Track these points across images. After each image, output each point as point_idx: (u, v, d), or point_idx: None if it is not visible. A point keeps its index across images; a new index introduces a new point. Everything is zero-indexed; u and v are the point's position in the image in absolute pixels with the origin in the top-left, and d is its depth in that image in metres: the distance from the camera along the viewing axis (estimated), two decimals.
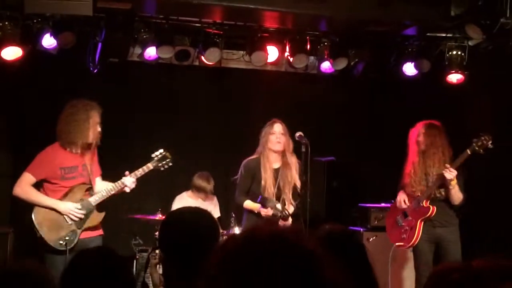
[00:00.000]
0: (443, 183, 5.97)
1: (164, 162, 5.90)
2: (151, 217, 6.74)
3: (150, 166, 5.79)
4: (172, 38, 6.95)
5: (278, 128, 6.09)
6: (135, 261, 6.95)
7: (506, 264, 2.28)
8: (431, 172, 6.04)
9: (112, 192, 5.61)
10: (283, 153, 6.09)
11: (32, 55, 6.48)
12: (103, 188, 5.63)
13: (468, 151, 5.96)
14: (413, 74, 7.34)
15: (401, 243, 6.10)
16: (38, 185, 5.48)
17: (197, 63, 7.44)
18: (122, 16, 6.52)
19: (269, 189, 5.96)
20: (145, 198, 7.82)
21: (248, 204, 6.03)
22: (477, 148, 5.94)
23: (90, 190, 5.57)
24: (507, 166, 7.05)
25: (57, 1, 5.17)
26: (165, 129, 7.97)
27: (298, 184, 6.06)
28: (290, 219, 5.91)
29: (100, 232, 5.68)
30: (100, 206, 5.60)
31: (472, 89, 7.24)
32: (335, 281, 1.32)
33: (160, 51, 6.92)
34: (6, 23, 6.10)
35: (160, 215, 6.67)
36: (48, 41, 6.42)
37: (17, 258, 6.35)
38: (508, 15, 5.90)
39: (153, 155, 5.87)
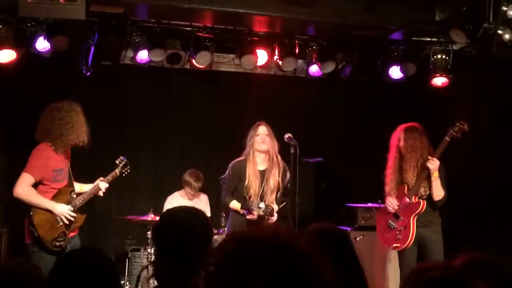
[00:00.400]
0: (428, 175, 5.95)
1: (125, 169, 6.04)
2: (143, 218, 6.69)
3: (117, 172, 5.95)
4: (163, 41, 6.93)
5: (262, 129, 6.09)
6: (127, 260, 6.90)
7: (483, 260, 2.28)
8: (409, 177, 6.02)
9: (91, 196, 5.73)
10: (269, 155, 6.06)
11: (26, 58, 6.44)
12: (83, 190, 5.74)
13: (447, 138, 5.97)
14: (399, 77, 7.35)
15: (397, 244, 6.03)
16: (33, 185, 5.44)
17: (188, 66, 7.43)
18: (114, 20, 6.49)
19: (254, 189, 5.95)
20: (137, 198, 7.80)
21: (234, 204, 6.03)
22: (454, 134, 5.96)
23: (72, 192, 5.63)
24: (489, 167, 7.07)
25: (51, 5, 5.12)
26: (157, 130, 7.94)
27: (281, 186, 6.06)
28: (276, 216, 5.92)
29: (77, 230, 5.74)
30: (81, 208, 5.67)
31: (456, 92, 7.24)
32: (328, 281, 1.32)
33: (152, 55, 6.89)
34: (0, 26, 6.07)
35: (152, 215, 6.63)
36: (42, 44, 6.38)
37: (11, 257, 6.30)
38: (491, 21, 5.90)
39: (117, 161, 6.00)
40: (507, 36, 5.93)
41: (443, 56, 6.98)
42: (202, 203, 7.33)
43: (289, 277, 1.27)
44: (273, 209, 5.86)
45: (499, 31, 5.91)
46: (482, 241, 7.33)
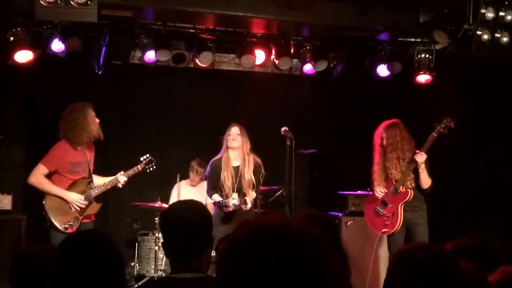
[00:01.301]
0: (415, 167, 5.99)
1: (150, 165, 6.20)
2: (152, 204, 6.73)
3: (139, 167, 6.08)
4: (169, 42, 6.94)
5: (234, 130, 6.28)
6: (137, 243, 6.94)
7: (462, 243, 2.29)
8: (394, 172, 6.05)
9: (108, 187, 5.88)
10: (241, 152, 6.22)
11: (42, 58, 6.44)
12: (100, 182, 5.88)
13: (434, 134, 6.00)
14: (386, 75, 7.37)
15: (386, 229, 6.08)
16: (48, 175, 5.64)
17: (192, 65, 7.44)
18: (124, 23, 6.49)
19: (227, 184, 6.14)
20: (146, 186, 7.83)
21: (215, 198, 6.22)
22: (442, 130, 5.99)
23: (90, 183, 5.79)
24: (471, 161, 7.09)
25: (65, 9, 5.13)
26: (163, 124, 7.97)
27: (254, 180, 6.21)
28: (249, 204, 6.11)
29: (93, 218, 5.91)
30: (98, 198, 5.84)
31: (439, 88, 7.27)
32: (337, 269, 1.31)
33: (158, 55, 6.90)
34: (18, 29, 6.08)
35: (160, 202, 6.67)
36: (57, 45, 6.39)
37: (29, 242, 6.33)
38: (470, 22, 5.92)
39: (141, 159, 6.15)
40: (485, 37, 5.95)
41: (427, 55, 7.00)
42: (205, 191, 7.35)
43: (298, 262, 1.25)
44: (245, 201, 6.07)
45: (478, 32, 5.93)
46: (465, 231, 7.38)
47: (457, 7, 6.04)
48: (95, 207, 5.81)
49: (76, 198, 5.61)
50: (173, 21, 6.70)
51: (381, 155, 6.13)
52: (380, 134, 6.14)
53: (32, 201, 6.89)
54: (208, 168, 6.34)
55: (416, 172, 6.04)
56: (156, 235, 6.61)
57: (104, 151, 6.81)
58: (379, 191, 6.15)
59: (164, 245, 2.69)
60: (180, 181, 7.23)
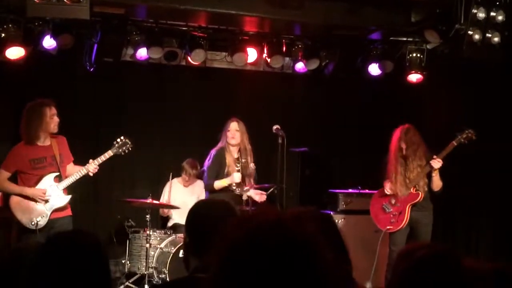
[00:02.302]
0: (429, 171, 6.03)
1: (124, 148, 5.98)
2: (143, 201, 6.69)
3: (110, 152, 5.90)
4: (161, 40, 6.93)
5: (233, 126, 6.23)
6: (128, 241, 6.92)
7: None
8: (411, 173, 6.05)
9: (77, 177, 5.75)
10: (241, 147, 6.23)
11: (33, 55, 6.42)
12: (71, 173, 5.80)
13: (454, 143, 6.05)
14: (378, 73, 7.38)
15: (391, 227, 6.10)
16: (15, 177, 5.69)
17: (184, 63, 7.41)
18: (116, 20, 6.48)
19: (233, 171, 6.10)
20: (137, 184, 7.81)
21: (219, 183, 6.11)
22: (462, 140, 6.03)
23: (59, 177, 5.71)
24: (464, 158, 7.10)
25: (57, 6, 5.10)
26: (155, 122, 7.94)
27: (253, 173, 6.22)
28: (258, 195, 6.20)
29: (68, 212, 5.82)
30: (67, 190, 5.75)
31: (430, 87, 7.29)
32: (332, 265, 1.30)
33: (150, 52, 6.89)
34: (10, 25, 6.06)
35: (151, 199, 6.64)
36: (48, 42, 6.37)
37: (20, 241, 6.29)
38: (462, 22, 5.94)
39: (114, 142, 5.96)
40: (476, 36, 5.97)
41: (418, 55, 7.02)
42: (197, 190, 7.34)
43: (294, 261, 1.25)
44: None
45: (469, 32, 5.96)
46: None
47: (448, 7, 6.07)
48: (63, 200, 5.70)
49: (36, 193, 5.57)
50: (165, 18, 6.69)
51: (395, 159, 6.10)
52: (397, 139, 6.10)
53: None
54: (211, 156, 6.22)
55: (428, 175, 6.06)
56: (148, 232, 6.58)
57: (94, 148, 6.79)
58: (389, 189, 6.15)
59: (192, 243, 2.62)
60: (172, 179, 7.21)
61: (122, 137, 5.99)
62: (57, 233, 2.47)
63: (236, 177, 6.03)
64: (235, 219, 1.37)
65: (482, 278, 1.83)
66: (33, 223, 5.51)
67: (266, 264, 1.23)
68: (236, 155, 6.25)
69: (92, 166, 5.74)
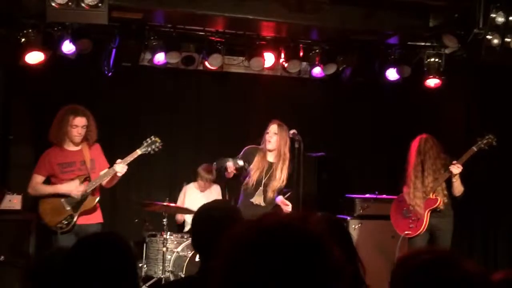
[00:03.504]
0: (449, 177, 5.97)
1: (154, 146, 5.85)
2: (161, 204, 6.69)
3: (138, 151, 5.80)
4: (179, 45, 6.95)
5: (272, 128, 6.02)
6: (145, 244, 6.93)
7: None
8: (428, 180, 6.00)
9: (105, 178, 5.72)
10: (277, 152, 6.00)
11: (53, 59, 6.47)
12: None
13: (474, 149, 5.99)
14: (395, 78, 7.33)
15: (409, 232, 6.05)
16: (48, 181, 5.75)
17: (201, 67, 7.43)
18: (134, 25, 6.52)
19: (255, 175, 5.94)
20: (153, 188, 7.83)
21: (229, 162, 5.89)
22: (482, 146, 5.98)
23: (87, 180, 5.70)
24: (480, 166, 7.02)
25: (76, 11, 5.14)
26: (172, 126, 7.97)
27: (282, 183, 6.00)
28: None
29: (99, 219, 5.81)
30: (94, 191, 5.73)
31: (448, 92, 7.24)
32: (341, 265, 1.30)
33: (168, 57, 6.91)
34: (30, 30, 6.09)
35: (168, 203, 6.65)
36: (68, 47, 6.41)
37: (39, 243, 6.34)
38: (480, 26, 5.89)
39: (143, 142, 5.88)
40: (495, 41, 5.92)
41: (436, 59, 6.96)
42: (214, 194, 7.35)
43: (302, 263, 1.25)
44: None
45: (488, 37, 5.91)
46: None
47: (467, 12, 6.02)
48: (91, 201, 5.69)
49: (70, 187, 5.57)
50: (182, 23, 6.71)
51: (414, 169, 6.05)
52: (416, 150, 6.06)
53: None
54: (243, 151, 6.04)
55: (448, 180, 6.01)
56: (164, 236, 6.60)
57: (112, 152, 6.82)
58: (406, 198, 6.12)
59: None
60: (187, 184, 7.23)
61: (152, 136, 5.90)
62: (88, 235, 2.46)
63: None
64: (243, 221, 1.37)
65: (484, 282, 1.80)
66: (60, 226, 5.53)
67: (274, 264, 1.23)
68: (272, 159, 6.02)
69: (120, 166, 5.64)
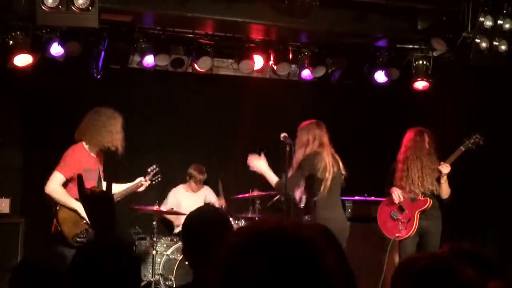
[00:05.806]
0: (438, 177, 5.96)
1: (156, 177, 6.06)
2: (149, 208, 6.69)
3: (147, 179, 5.93)
4: (168, 47, 6.96)
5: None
6: (134, 247, 6.92)
7: (468, 249, 2.28)
8: (415, 178, 6.00)
9: (129, 192, 5.73)
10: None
11: (41, 62, 6.45)
12: (121, 188, 5.66)
13: (462, 148, 5.95)
14: (384, 81, 7.39)
15: (399, 234, 6.03)
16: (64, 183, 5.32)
17: (190, 70, 7.44)
18: (123, 28, 6.51)
19: (329, 175, 5.94)
20: (143, 191, 7.80)
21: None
22: (470, 145, 5.95)
23: None
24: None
25: (67, 14, 5.13)
26: (162, 128, 7.96)
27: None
28: None
29: None
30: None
31: (436, 94, 7.30)
32: (333, 268, 1.32)
33: (157, 59, 6.91)
34: (18, 33, 6.08)
35: (157, 207, 6.64)
36: (56, 49, 6.40)
37: (27, 246, 6.32)
38: (469, 30, 5.95)
39: (149, 170, 5.97)
40: (484, 45, 5.98)
41: (424, 62, 7.02)
42: (209, 194, 7.38)
43: (295, 266, 1.26)
44: None
45: (476, 40, 5.97)
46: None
47: (455, 15, 6.08)
48: None
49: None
50: (172, 26, 6.72)
51: (406, 161, 6.05)
52: (408, 140, 6.06)
53: (30, 204, 6.88)
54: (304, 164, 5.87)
55: (437, 181, 6.01)
56: (154, 239, 6.59)
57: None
58: (398, 196, 6.07)
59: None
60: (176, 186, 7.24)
61: (154, 166, 6.03)
62: (91, 241, 2.44)
63: None
64: (236, 228, 1.38)
65: None
66: (77, 239, 5.20)
67: (269, 268, 1.25)
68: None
69: (146, 183, 5.86)
